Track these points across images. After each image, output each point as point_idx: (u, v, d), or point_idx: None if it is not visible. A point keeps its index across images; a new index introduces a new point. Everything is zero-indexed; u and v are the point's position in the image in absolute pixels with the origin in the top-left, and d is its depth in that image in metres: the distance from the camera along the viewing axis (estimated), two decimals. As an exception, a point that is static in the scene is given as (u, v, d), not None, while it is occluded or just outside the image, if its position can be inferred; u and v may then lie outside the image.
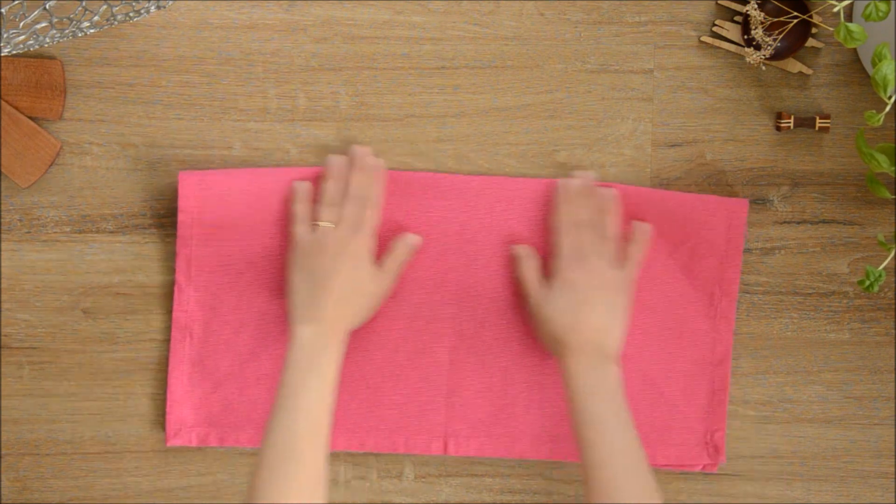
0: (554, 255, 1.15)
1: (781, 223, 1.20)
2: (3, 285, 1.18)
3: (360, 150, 1.15)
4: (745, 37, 1.17)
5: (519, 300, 1.18)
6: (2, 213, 1.18)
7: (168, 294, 1.18)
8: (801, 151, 1.20)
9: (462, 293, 1.18)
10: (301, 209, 1.14)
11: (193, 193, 1.16)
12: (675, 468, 1.20)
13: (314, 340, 1.09)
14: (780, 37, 1.15)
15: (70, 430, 1.20)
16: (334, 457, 1.20)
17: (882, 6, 1.04)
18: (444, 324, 1.18)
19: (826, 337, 1.21)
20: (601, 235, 1.14)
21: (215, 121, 1.18)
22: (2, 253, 1.18)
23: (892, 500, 1.22)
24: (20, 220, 1.18)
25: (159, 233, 1.18)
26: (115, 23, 1.06)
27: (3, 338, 1.18)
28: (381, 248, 1.16)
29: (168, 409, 1.18)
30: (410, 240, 1.16)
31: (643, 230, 1.16)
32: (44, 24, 1.03)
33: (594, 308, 1.11)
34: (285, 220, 1.16)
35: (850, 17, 1.18)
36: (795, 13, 1.16)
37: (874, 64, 1.05)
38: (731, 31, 1.18)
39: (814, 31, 1.17)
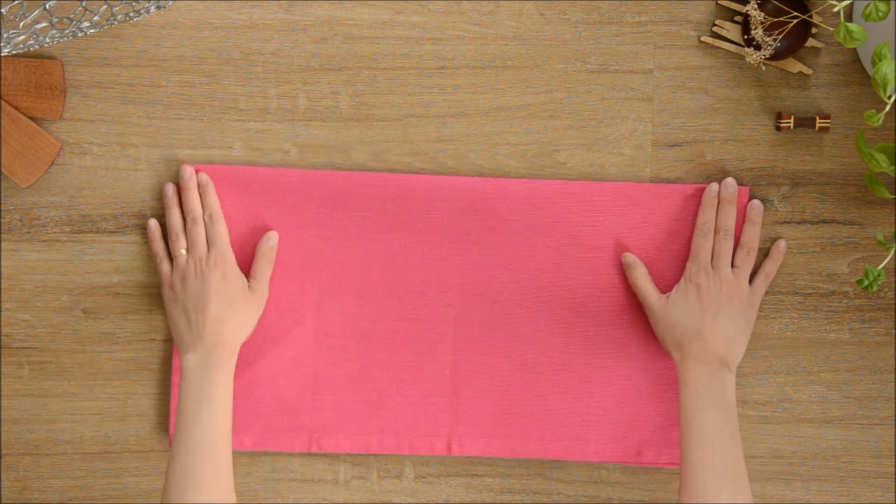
0: (690, 257, 1.16)
1: (781, 223, 1.20)
2: (3, 285, 1.18)
3: (186, 170, 1.15)
4: (745, 37, 1.17)
5: (519, 299, 1.18)
6: (2, 213, 1.18)
7: (168, 294, 1.19)
8: (801, 151, 1.20)
9: (465, 294, 1.18)
10: (156, 247, 1.16)
11: None
12: (668, 465, 1.20)
13: (200, 369, 1.10)
14: (780, 37, 1.15)
15: (70, 430, 1.20)
16: (334, 457, 1.20)
17: (882, 6, 1.04)
18: (446, 325, 1.18)
19: (826, 337, 1.21)
20: (732, 241, 1.16)
21: (215, 121, 1.18)
22: (2, 253, 1.18)
23: (892, 500, 1.22)
24: (20, 220, 1.18)
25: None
26: (115, 23, 1.06)
27: (3, 338, 1.18)
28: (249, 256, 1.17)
29: (172, 414, 1.17)
30: (271, 239, 1.16)
31: (780, 248, 1.18)
32: (44, 24, 1.03)
33: (720, 318, 1.13)
34: (289, 223, 1.17)
35: (850, 17, 1.18)
36: (795, 13, 1.16)
37: (874, 64, 1.05)
38: (731, 31, 1.18)
39: (814, 31, 1.17)
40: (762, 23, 1.15)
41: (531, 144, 1.19)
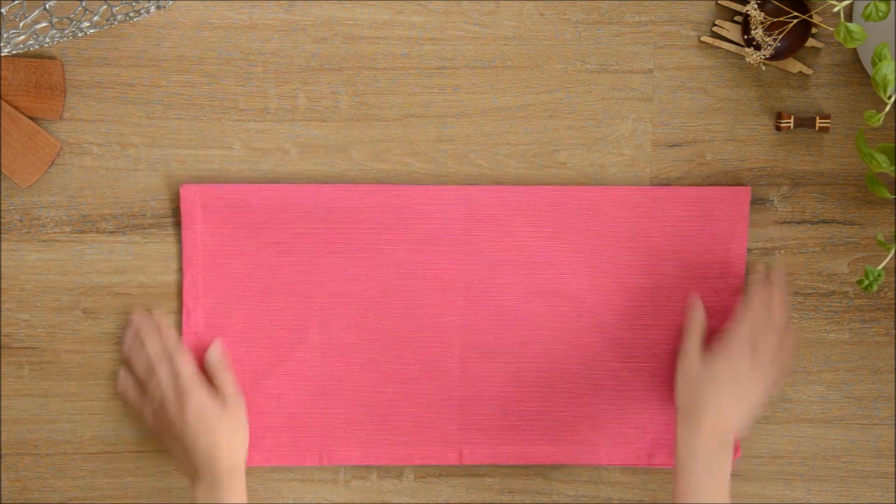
0: (732, 327, 1.14)
1: (781, 223, 1.20)
2: (3, 285, 1.18)
3: (137, 317, 1.17)
4: (745, 37, 1.17)
5: (524, 306, 1.18)
6: (2, 213, 1.18)
7: (168, 294, 1.18)
8: (801, 151, 1.20)
9: (469, 303, 1.18)
10: (132, 396, 1.17)
11: (197, 212, 1.16)
12: None
13: (208, 498, 1.11)
14: (780, 37, 1.15)
15: (70, 430, 1.20)
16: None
17: (882, 6, 1.04)
18: (452, 334, 1.18)
19: (826, 337, 1.21)
20: (777, 330, 1.15)
21: (215, 121, 1.18)
22: (2, 253, 1.18)
23: (892, 500, 1.22)
24: (20, 220, 1.18)
25: (159, 233, 1.18)
26: (115, 23, 1.06)
27: (3, 338, 1.18)
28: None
29: None
30: (214, 351, 1.17)
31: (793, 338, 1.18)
32: (44, 24, 1.03)
33: (741, 396, 1.12)
34: (290, 238, 1.17)
35: (850, 17, 1.18)
36: (795, 13, 1.16)
37: (874, 64, 1.05)
38: (731, 31, 1.18)
39: (814, 31, 1.17)
40: (762, 23, 1.15)
41: (531, 144, 1.19)
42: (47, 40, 1.05)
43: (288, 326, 1.18)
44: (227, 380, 1.16)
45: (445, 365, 1.19)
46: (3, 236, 1.18)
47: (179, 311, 1.18)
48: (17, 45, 1.02)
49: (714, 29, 1.18)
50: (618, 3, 1.18)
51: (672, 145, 1.19)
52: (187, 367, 1.14)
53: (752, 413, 1.12)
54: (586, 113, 1.19)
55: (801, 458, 1.22)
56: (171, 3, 1.11)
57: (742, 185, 1.19)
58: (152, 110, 1.18)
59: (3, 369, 1.19)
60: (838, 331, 1.21)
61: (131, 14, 1.07)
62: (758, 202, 1.20)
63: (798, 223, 1.20)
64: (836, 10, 1.08)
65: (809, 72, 1.18)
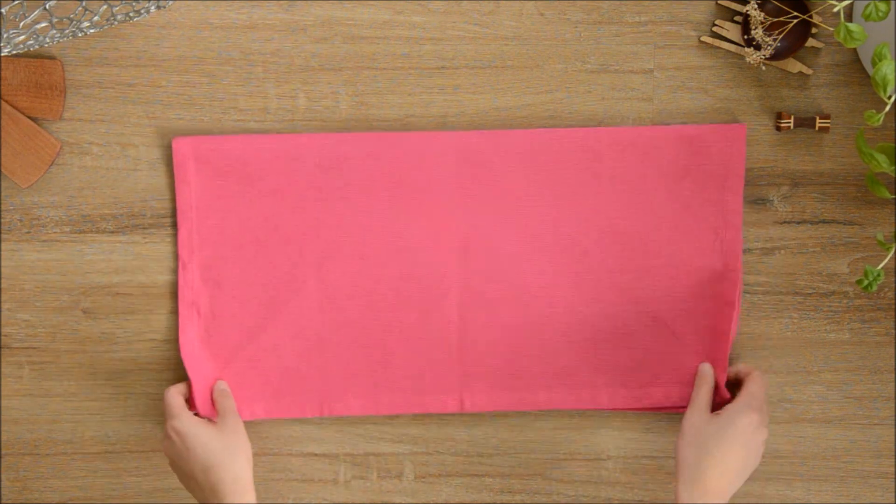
0: (742, 391, 1.15)
1: (781, 223, 1.20)
2: (3, 285, 1.18)
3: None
4: (745, 37, 1.17)
5: (522, 251, 1.18)
6: (2, 213, 1.18)
7: (169, 294, 1.18)
8: (801, 151, 1.20)
9: (467, 249, 1.18)
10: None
11: (190, 164, 1.16)
12: (675, 409, 1.20)
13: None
14: (780, 37, 1.15)
15: (70, 430, 1.20)
16: (334, 457, 1.20)
17: (882, 6, 1.04)
18: (450, 281, 1.18)
19: (826, 337, 1.21)
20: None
21: (215, 121, 1.18)
22: (2, 253, 1.18)
23: (892, 500, 1.22)
24: (20, 220, 1.18)
25: (159, 233, 1.18)
26: (115, 23, 1.06)
27: (3, 338, 1.19)
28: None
29: (193, 384, 1.17)
30: (220, 387, 1.17)
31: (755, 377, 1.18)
32: (44, 24, 1.03)
33: (745, 459, 1.12)
34: (285, 188, 1.16)
35: (850, 17, 1.18)
36: (795, 13, 1.16)
37: (874, 64, 1.05)
38: (731, 31, 1.18)
39: (814, 31, 1.17)
40: (762, 23, 1.15)
41: (531, 144, 1.19)
42: (47, 40, 1.05)
43: (284, 277, 1.18)
44: (227, 406, 1.16)
45: (444, 313, 1.18)
46: (3, 236, 1.18)
47: (178, 312, 1.18)
48: (17, 45, 1.02)
49: (714, 29, 1.18)
50: (618, 3, 1.18)
51: (672, 145, 1.19)
52: (175, 402, 1.14)
53: (747, 476, 1.13)
54: (586, 113, 1.19)
55: (801, 458, 1.22)
56: (171, 3, 1.11)
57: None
58: (152, 110, 1.18)
59: (3, 369, 1.19)
60: (838, 331, 1.21)
61: (131, 14, 1.07)
62: (758, 202, 1.20)
63: (798, 223, 1.20)
64: (836, 10, 1.08)
65: (809, 72, 1.18)
